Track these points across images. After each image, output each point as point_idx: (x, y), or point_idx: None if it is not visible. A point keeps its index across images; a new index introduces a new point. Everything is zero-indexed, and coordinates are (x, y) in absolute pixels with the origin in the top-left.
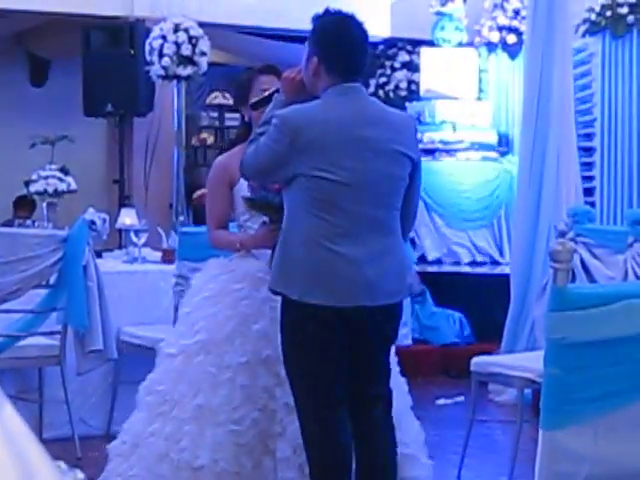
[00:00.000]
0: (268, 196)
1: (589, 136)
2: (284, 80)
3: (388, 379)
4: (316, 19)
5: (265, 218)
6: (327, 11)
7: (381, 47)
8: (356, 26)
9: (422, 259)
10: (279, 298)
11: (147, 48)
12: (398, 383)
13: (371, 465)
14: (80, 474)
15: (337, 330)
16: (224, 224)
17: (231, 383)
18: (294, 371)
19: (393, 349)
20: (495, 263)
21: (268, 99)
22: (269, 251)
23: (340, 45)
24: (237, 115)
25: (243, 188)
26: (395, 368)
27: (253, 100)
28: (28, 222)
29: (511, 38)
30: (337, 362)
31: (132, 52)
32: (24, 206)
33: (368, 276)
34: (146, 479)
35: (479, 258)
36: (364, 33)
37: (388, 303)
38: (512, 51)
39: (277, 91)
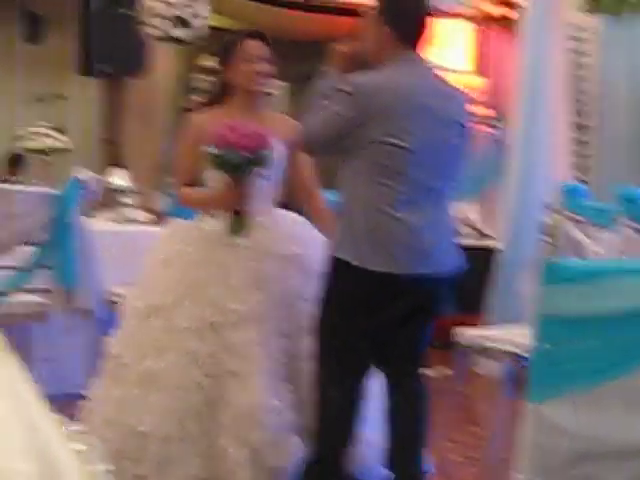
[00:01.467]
0: (229, 154)
1: (586, 114)
2: (337, 54)
3: (425, 351)
4: None
5: (231, 178)
6: None
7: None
8: (422, 1)
9: None
10: (235, 265)
11: (144, 9)
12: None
13: (403, 435)
14: (81, 427)
15: (389, 297)
16: (193, 182)
17: (177, 348)
18: (327, 330)
19: None
20: (482, 235)
21: (310, 75)
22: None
23: (413, 17)
24: None
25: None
26: None
27: (306, 74)
28: (13, 178)
29: (509, 13)
30: (375, 332)
31: (130, 13)
32: (17, 164)
33: (425, 243)
34: None
35: (465, 230)
36: (429, 7)
37: (440, 272)
38: (510, 25)
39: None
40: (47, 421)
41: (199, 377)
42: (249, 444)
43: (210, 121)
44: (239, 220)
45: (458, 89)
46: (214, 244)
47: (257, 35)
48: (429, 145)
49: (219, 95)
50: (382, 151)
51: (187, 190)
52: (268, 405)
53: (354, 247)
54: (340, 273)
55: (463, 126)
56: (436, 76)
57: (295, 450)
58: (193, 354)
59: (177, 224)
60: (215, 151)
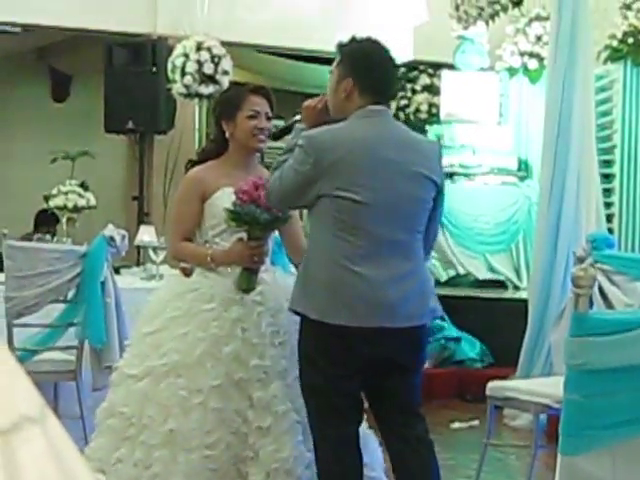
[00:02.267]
0: (256, 211)
1: (609, 162)
2: (306, 109)
3: (418, 401)
4: (346, 45)
5: (242, 234)
6: (354, 38)
7: (403, 70)
8: (388, 52)
9: (439, 281)
10: (249, 319)
11: (169, 66)
12: None
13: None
14: None
15: (356, 351)
16: (190, 236)
17: (203, 407)
18: (309, 390)
19: None
20: (513, 287)
21: (288, 129)
22: (238, 269)
23: (376, 69)
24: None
25: (216, 203)
26: None
27: (274, 130)
28: (47, 237)
29: (532, 63)
30: (352, 384)
31: (154, 69)
32: (45, 220)
33: (389, 298)
34: None
35: (497, 282)
36: (393, 59)
37: (410, 326)
38: (533, 76)
39: (298, 121)
40: None
41: (227, 435)
42: None
43: (210, 174)
44: (250, 277)
45: (429, 141)
46: (228, 301)
47: (260, 90)
48: (389, 198)
49: (215, 149)
50: (336, 205)
51: (184, 245)
52: (303, 458)
53: (313, 300)
54: (303, 328)
55: (431, 179)
56: (399, 129)
57: None
58: (219, 412)
59: (180, 280)
60: (239, 208)
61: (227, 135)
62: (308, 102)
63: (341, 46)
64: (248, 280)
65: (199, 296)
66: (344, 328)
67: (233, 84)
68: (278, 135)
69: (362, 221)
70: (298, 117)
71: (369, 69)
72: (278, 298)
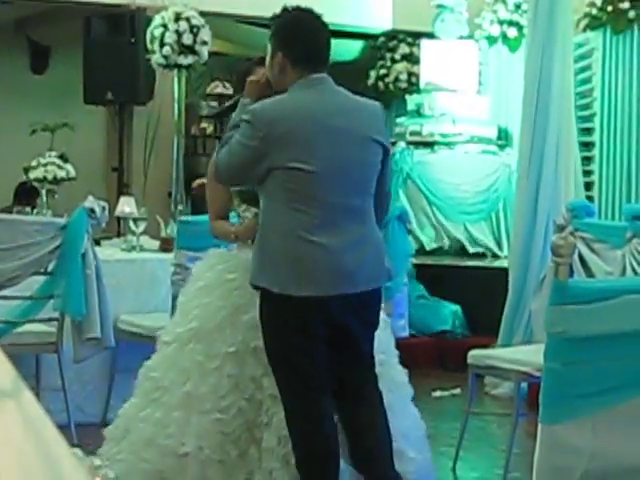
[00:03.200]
0: (255, 188)
1: (588, 131)
2: (249, 84)
3: (373, 364)
4: (277, 17)
5: (256, 210)
6: (285, 8)
7: (382, 39)
8: (316, 19)
9: (420, 251)
10: None
11: (148, 37)
12: (395, 375)
13: (363, 445)
14: (97, 461)
15: (318, 320)
16: (224, 214)
17: (219, 372)
18: (277, 362)
19: (393, 342)
20: (493, 256)
21: (232, 108)
22: None
23: (302, 38)
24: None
25: None
26: (393, 359)
27: (215, 111)
28: (27, 209)
29: (512, 32)
30: (318, 352)
31: (133, 40)
32: (26, 193)
33: (348, 264)
34: (132, 463)
35: (477, 251)
36: (324, 25)
37: (368, 289)
38: (512, 45)
39: (242, 96)
40: (67, 457)
41: (240, 401)
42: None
43: None
44: None
45: (371, 104)
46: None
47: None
48: (340, 165)
49: None
50: (288, 177)
51: (218, 223)
52: None
53: (273, 274)
54: (265, 302)
55: (378, 142)
56: (343, 95)
57: (341, 467)
58: (234, 378)
59: (217, 253)
60: (242, 187)
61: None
62: (251, 77)
63: (272, 19)
64: None
65: (227, 267)
66: (307, 299)
67: (247, 60)
68: (219, 115)
69: (315, 190)
70: (232, 100)
71: (297, 41)
72: None
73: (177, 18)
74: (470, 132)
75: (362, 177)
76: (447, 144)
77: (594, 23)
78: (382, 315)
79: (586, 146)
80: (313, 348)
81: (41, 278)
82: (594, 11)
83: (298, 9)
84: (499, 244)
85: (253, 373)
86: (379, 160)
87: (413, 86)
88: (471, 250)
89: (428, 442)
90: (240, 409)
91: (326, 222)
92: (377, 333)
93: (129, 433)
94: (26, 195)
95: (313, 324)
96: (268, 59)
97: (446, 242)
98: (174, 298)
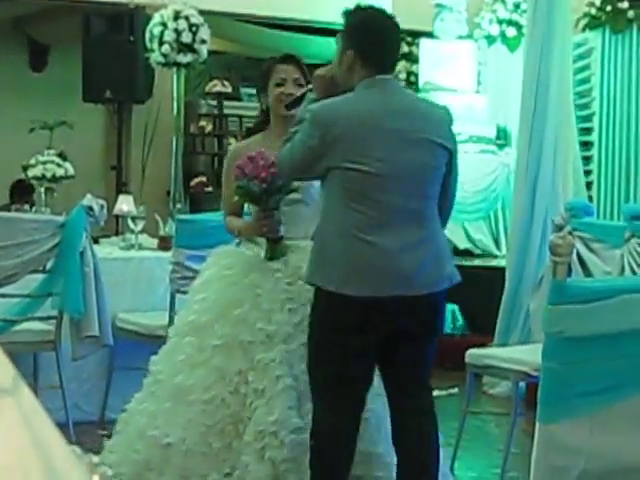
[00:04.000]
0: (249, 184)
1: (587, 130)
2: (315, 78)
3: (429, 371)
4: (349, 14)
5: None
6: (359, 6)
7: None
8: (390, 19)
9: None
10: (266, 286)
11: (147, 35)
12: None
13: (409, 455)
14: (95, 458)
15: (372, 321)
16: (237, 210)
17: (207, 364)
18: (319, 360)
19: None
20: (491, 256)
21: (301, 99)
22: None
23: (376, 39)
24: (236, 103)
25: None
26: None
27: (287, 101)
28: (26, 207)
29: (511, 31)
30: (365, 356)
31: (132, 39)
32: (22, 191)
33: (403, 266)
34: (123, 454)
35: (475, 250)
36: (397, 27)
37: (426, 293)
38: (511, 44)
39: (310, 90)
40: (66, 455)
41: (225, 394)
42: (270, 460)
43: (250, 149)
44: (272, 246)
45: (438, 107)
46: (250, 267)
47: (288, 59)
48: (399, 167)
49: (261, 122)
50: (346, 177)
51: (229, 219)
52: (290, 423)
53: (328, 273)
54: (319, 300)
55: (442, 145)
56: (409, 97)
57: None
58: (221, 371)
59: (223, 250)
60: (238, 183)
61: (263, 107)
62: (319, 71)
63: (344, 15)
64: (271, 249)
65: (227, 263)
66: (362, 299)
67: (268, 59)
68: (291, 105)
69: (372, 191)
70: (303, 90)
71: (370, 41)
72: (300, 267)
73: (176, 16)
74: (469, 132)
75: (422, 180)
76: None
77: (593, 23)
78: None
79: (585, 145)
80: (361, 349)
81: (39, 276)
82: (593, 11)
83: (371, 8)
84: (497, 243)
85: (240, 366)
86: (442, 164)
87: (412, 85)
88: (469, 249)
89: None
90: (224, 400)
91: (382, 223)
92: None
93: (128, 425)
94: (22, 193)
95: (366, 324)
96: (337, 56)
97: None
98: (172, 296)
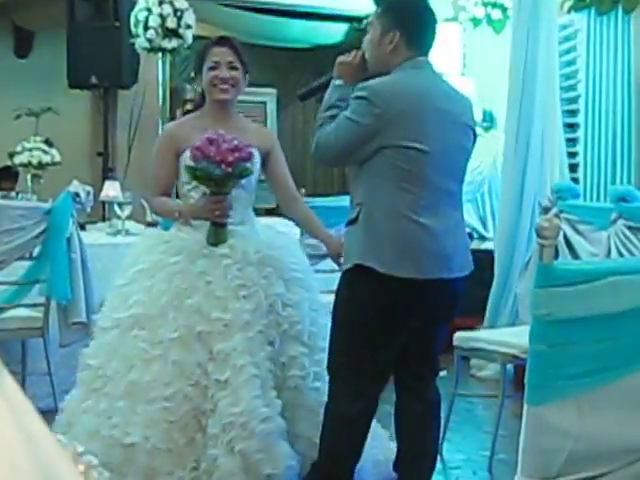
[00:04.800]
0: (209, 167)
1: (573, 112)
2: (341, 65)
3: (440, 352)
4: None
5: (205, 189)
6: None
7: (366, 21)
8: (428, 2)
9: None
10: (215, 272)
11: (132, 20)
12: None
13: (409, 443)
14: (79, 447)
15: (418, 304)
16: (167, 191)
17: (163, 359)
18: (354, 345)
19: None
20: (479, 238)
21: (317, 89)
22: (208, 223)
23: (422, 20)
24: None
25: (187, 158)
26: None
27: (301, 91)
28: (12, 194)
29: (496, 13)
30: (396, 340)
31: (117, 24)
32: (7, 177)
33: (447, 248)
34: None
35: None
36: (432, 9)
37: (460, 276)
38: (497, 26)
39: (331, 78)
40: (51, 444)
41: (186, 388)
42: (241, 452)
43: (184, 130)
44: (217, 231)
45: (462, 93)
46: (195, 254)
47: (223, 41)
48: (445, 148)
49: (195, 105)
50: (401, 155)
51: (162, 199)
52: (258, 413)
53: (379, 254)
54: (365, 281)
55: (472, 129)
56: (443, 80)
57: (286, 456)
58: (179, 364)
59: (155, 234)
60: (194, 164)
61: (198, 90)
62: (343, 58)
63: None
64: (215, 234)
65: (168, 249)
66: (411, 281)
67: (201, 38)
68: (305, 95)
69: (424, 171)
70: (322, 79)
71: (415, 21)
72: (252, 250)
73: (161, 2)
74: None
75: (461, 163)
76: None
77: (578, 4)
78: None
79: (571, 127)
80: (402, 332)
81: (26, 263)
82: None
83: None
84: (485, 226)
85: (199, 359)
86: (471, 148)
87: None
88: None
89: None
90: (186, 395)
91: (431, 204)
92: None
93: (72, 426)
94: (7, 179)
95: (412, 307)
96: (376, 37)
97: None
98: None
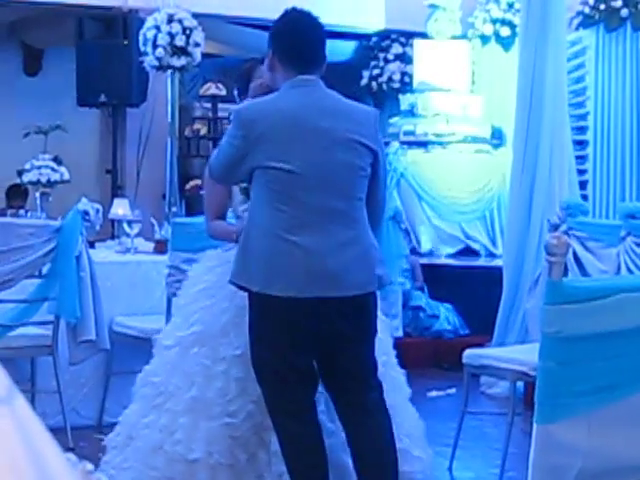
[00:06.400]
0: None
1: (582, 129)
2: (252, 89)
3: (374, 370)
4: (277, 19)
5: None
6: (286, 10)
7: (375, 39)
8: (308, 19)
9: (415, 251)
10: None
11: (141, 39)
12: (396, 375)
13: (363, 451)
14: (89, 465)
15: (300, 322)
16: (221, 214)
17: (225, 375)
18: (257, 363)
19: (391, 342)
20: (488, 255)
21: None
22: None
23: (291, 38)
24: (230, 106)
25: None
26: (392, 360)
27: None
28: (21, 212)
29: (504, 31)
30: (300, 354)
31: (126, 42)
32: (17, 195)
33: (329, 267)
34: (140, 471)
35: (472, 249)
36: (318, 26)
37: (356, 294)
38: (505, 44)
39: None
40: (60, 463)
41: (248, 404)
42: None
43: None
44: None
45: (364, 109)
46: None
47: None
48: (321, 167)
49: None
50: (269, 176)
51: (216, 223)
52: (324, 428)
53: (253, 273)
54: (250, 301)
55: (367, 146)
56: (331, 97)
57: (350, 470)
58: (242, 381)
59: (215, 255)
60: (246, 185)
61: None
62: (253, 82)
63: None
64: None
65: (228, 269)
66: (286, 299)
67: (245, 61)
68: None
69: (295, 190)
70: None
71: (285, 41)
72: None
73: (170, 20)
74: (464, 131)
75: (347, 180)
76: (441, 144)
77: (587, 21)
78: (380, 316)
79: (580, 144)
80: (293, 350)
81: (36, 281)
82: (587, 9)
83: (294, 10)
84: (494, 243)
85: None
86: (367, 164)
87: (406, 86)
88: (465, 249)
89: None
90: (249, 412)
91: (306, 223)
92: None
93: (133, 440)
94: (17, 196)
95: (292, 325)
96: (266, 56)
97: (440, 241)
98: (169, 300)
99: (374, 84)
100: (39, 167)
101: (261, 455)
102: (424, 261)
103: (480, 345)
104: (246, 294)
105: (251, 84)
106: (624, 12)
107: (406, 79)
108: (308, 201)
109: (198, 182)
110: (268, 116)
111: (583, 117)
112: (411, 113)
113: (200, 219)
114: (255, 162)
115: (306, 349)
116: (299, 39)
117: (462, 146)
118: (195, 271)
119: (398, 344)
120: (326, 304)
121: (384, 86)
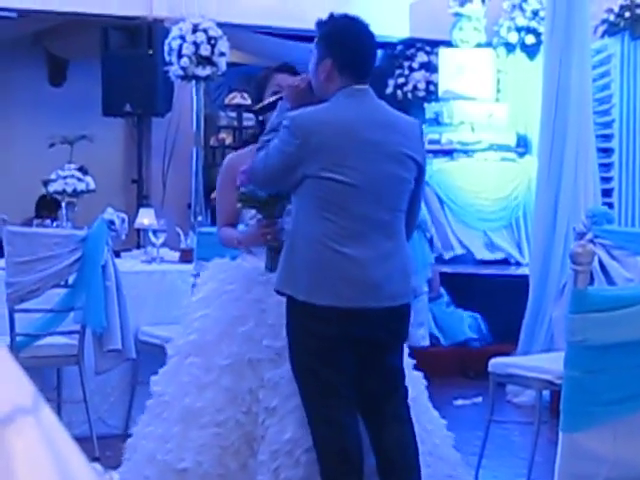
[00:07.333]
0: (255, 190)
1: (608, 137)
2: (288, 89)
3: (403, 377)
4: (323, 24)
5: (256, 213)
6: (333, 15)
7: (399, 47)
8: (366, 28)
9: (439, 259)
10: (270, 300)
11: (166, 48)
12: (414, 379)
13: (390, 459)
14: (115, 475)
15: (343, 331)
16: (232, 222)
17: (216, 385)
18: (300, 372)
19: (407, 350)
20: (515, 264)
21: (272, 105)
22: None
23: (354, 47)
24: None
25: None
26: (409, 366)
27: (257, 106)
28: (47, 222)
29: (529, 39)
30: (343, 363)
31: (150, 52)
32: (48, 206)
33: (374, 277)
34: None
35: (498, 258)
36: (373, 35)
37: (393, 305)
38: (530, 52)
39: (282, 98)
40: (86, 474)
41: (238, 414)
42: None
43: (244, 160)
44: (274, 256)
45: (410, 121)
46: (251, 281)
47: (285, 68)
48: (373, 179)
49: (253, 134)
50: (322, 186)
51: (226, 230)
52: (303, 442)
53: (299, 282)
54: (291, 309)
55: (414, 159)
56: (382, 108)
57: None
58: (232, 391)
59: (219, 263)
60: (242, 189)
61: (260, 118)
62: (291, 81)
63: (319, 25)
64: (272, 259)
65: (227, 277)
66: (331, 309)
67: (264, 69)
68: (261, 111)
69: (346, 202)
70: (275, 97)
71: (347, 48)
72: None
73: (195, 30)
74: (489, 140)
75: (394, 192)
76: (466, 152)
77: (612, 29)
78: None
79: (605, 152)
80: (336, 358)
81: (62, 291)
82: (612, 17)
83: (347, 17)
84: (520, 251)
85: (250, 385)
86: (412, 177)
87: (431, 94)
88: (491, 258)
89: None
90: (237, 422)
91: (354, 234)
92: None
93: (136, 450)
94: (47, 207)
95: (336, 335)
96: (313, 65)
97: (466, 250)
98: None
99: (399, 92)
100: (65, 177)
101: (251, 464)
102: (449, 270)
103: (506, 354)
104: (239, 303)
105: (287, 88)
106: None
107: (431, 87)
108: (357, 212)
109: None
110: (325, 126)
111: (609, 125)
112: (436, 122)
113: None
114: (309, 171)
115: (348, 357)
116: (361, 48)
117: (487, 154)
118: (201, 280)
119: (424, 353)
120: (368, 314)
121: (409, 95)
